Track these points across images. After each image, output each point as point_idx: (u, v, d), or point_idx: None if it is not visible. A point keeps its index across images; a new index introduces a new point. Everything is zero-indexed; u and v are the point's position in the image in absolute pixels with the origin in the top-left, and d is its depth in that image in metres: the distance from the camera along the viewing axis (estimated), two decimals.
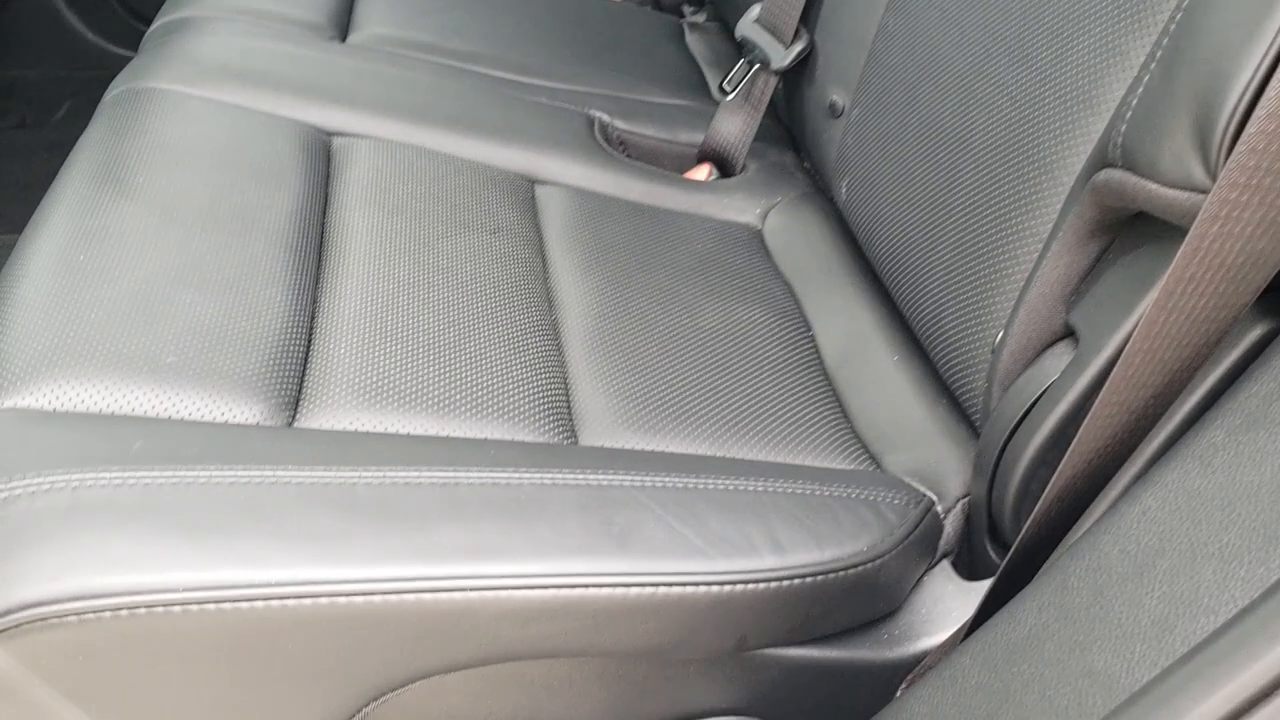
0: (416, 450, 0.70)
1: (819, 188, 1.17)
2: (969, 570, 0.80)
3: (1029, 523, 0.65)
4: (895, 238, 0.92)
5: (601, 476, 0.70)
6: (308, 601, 0.60)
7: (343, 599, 0.61)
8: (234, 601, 0.59)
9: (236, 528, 0.62)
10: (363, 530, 0.63)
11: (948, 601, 0.78)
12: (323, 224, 0.92)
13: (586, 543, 0.66)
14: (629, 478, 0.71)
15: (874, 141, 0.98)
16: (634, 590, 0.65)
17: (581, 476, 0.70)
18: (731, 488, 0.73)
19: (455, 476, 0.67)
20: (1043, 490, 0.75)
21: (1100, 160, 0.68)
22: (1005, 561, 0.67)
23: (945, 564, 0.80)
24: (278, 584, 0.60)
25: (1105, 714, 0.50)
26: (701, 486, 0.72)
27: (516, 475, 0.68)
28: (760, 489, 0.74)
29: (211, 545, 0.61)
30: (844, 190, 1.03)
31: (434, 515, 0.65)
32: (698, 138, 1.20)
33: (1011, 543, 0.79)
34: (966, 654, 0.62)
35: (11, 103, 1.93)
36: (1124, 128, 0.65)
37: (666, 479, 0.72)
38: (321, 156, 1.00)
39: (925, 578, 0.79)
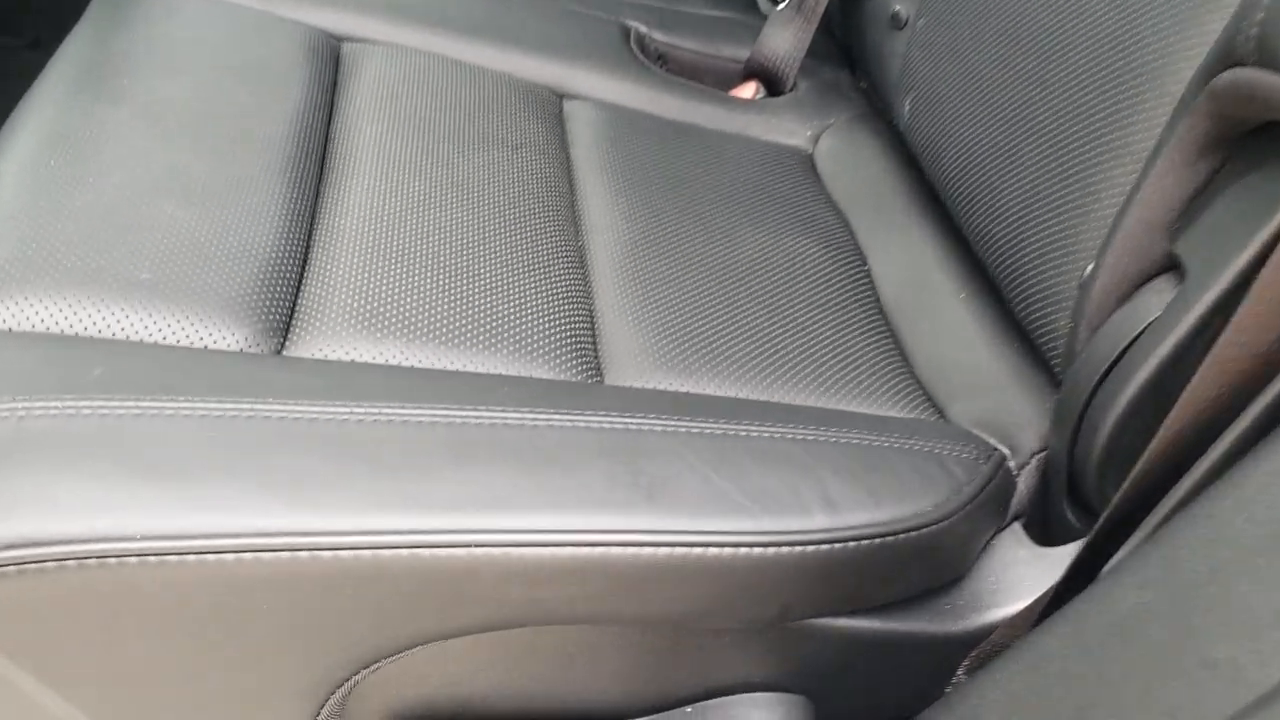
0: (419, 385, 0.62)
1: (876, 109, 1.06)
2: (1043, 534, 0.71)
3: (1127, 484, 0.56)
4: (966, 160, 0.82)
5: (630, 420, 0.61)
6: (287, 555, 0.52)
7: (327, 553, 0.52)
8: (201, 554, 0.51)
9: (207, 468, 0.53)
10: (352, 474, 0.54)
11: (1019, 569, 0.69)
12: (326, 135, 0.83)
13: (610, 495, 0.57)
14: (661, 421, 0.62)
15: (944, 53, 0.87)
16: (663, 551, 0.56)
17: (607, 419, 0.61)
18: (778, 435, 0.64)
19: (461, 415, 0.58)
20: (1133, 445, 0.65)
21: (1224, 59, 0.58)
22: (1097, 527, 0.58)
23: (1016, 526, 0.71)
24: (253, 534, 0.52)
25: (1231, 714, 0.41)
26: (743, 433, 0.63)
27: (532, 416, 0.59)
28: (810, 438, 0.65)
29: (177, 487, 0.52)
30: (907, 109, 0.93)
31: (435, 459, 0.56)
32: (743, 53, 1.10)
33: (1094, 504, 0.69)
34: (1051, 634, 0.53)
35: (25, 22, 1.85)
36: (1261, 16, 0.54)
37: (704, 424, 0.63)
38: (329, 62, 0.91)
39: (994, 541, 0.70)
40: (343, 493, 0.53)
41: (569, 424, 0.60)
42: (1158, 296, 0.64)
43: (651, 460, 0.59)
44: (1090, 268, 0.67)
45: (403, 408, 0.58)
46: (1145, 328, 0.64)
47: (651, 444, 0.60)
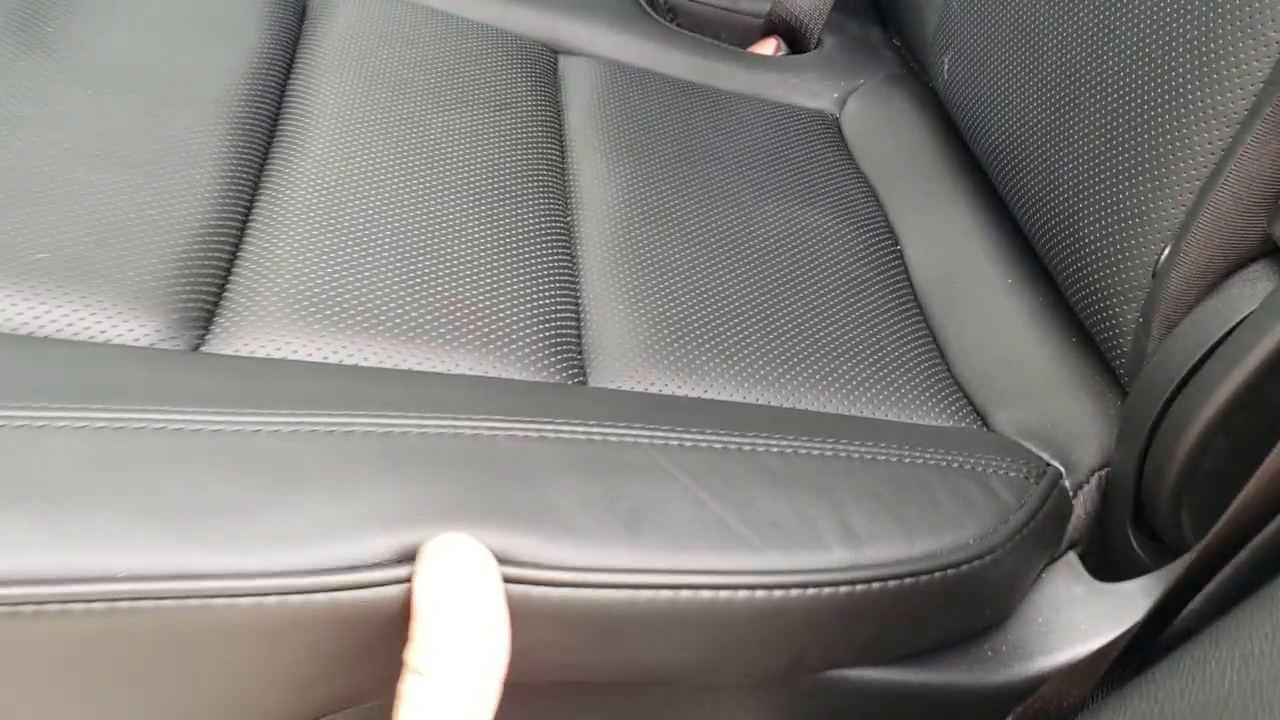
0: (358, 388, 0.51)
1: (910, 69, 0.95)
2: (1102, 567, 0.61)
3: (1220, 525, 0.45)
4: (1014, 124, 0.71)
5: (611, 430, 0.51)
6: (173, 604, 0.42)
7: (221, 600, 0.42)
8: (65, 602, 0.41)
9: (79, 494, 0.43)
10: (258, 501, 0.44)
11: (1073, 609, 0.58)
12: (282, 92, 0.73)
13: (579, 523, 0.47)
14: (650, 432, 0.52)
15: (990, 3, 0.76)
16: (645, 594, 0.46)
17: (582, 428, 0.51)
18: (789, 451, 0.53)
19: (401, 424, 0.48)
20: (1219, 469, 0.55)
21: None
22: (1177, 580, 0.47)
23: (1071, 557, 0.60)
24: (129, 578, 0.41)
25: None
26: (748, 448, 0.53)
27: (489, 425, 0.49)
28: (829, 453, 0.54)
29: (39, 518, 0.42)
30: (945, 68, 0.81)
31: (362, 477, 0.45)
32: (764, 5, 0.99)
33: (1165, 534, 0.59)
34: (1122, 713, 0.43)
35: None
36: None
37: (701, 436, 0.52)
38: (293, 10, 0.80)
39: (1044, 575, 0.59)
40: (243, 525, 0.43)
41: (534, 433, 0.49)
42: (1251, 287, 0.53)
43: (635, 480, 0.49)
44: (1166, 251, 0.57)
45: (331, 416, 0.48)
46: (1236, 325, 0.53)
47: (637, 460, 0.50)
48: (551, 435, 0.50)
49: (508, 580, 0.43)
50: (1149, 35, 0.60)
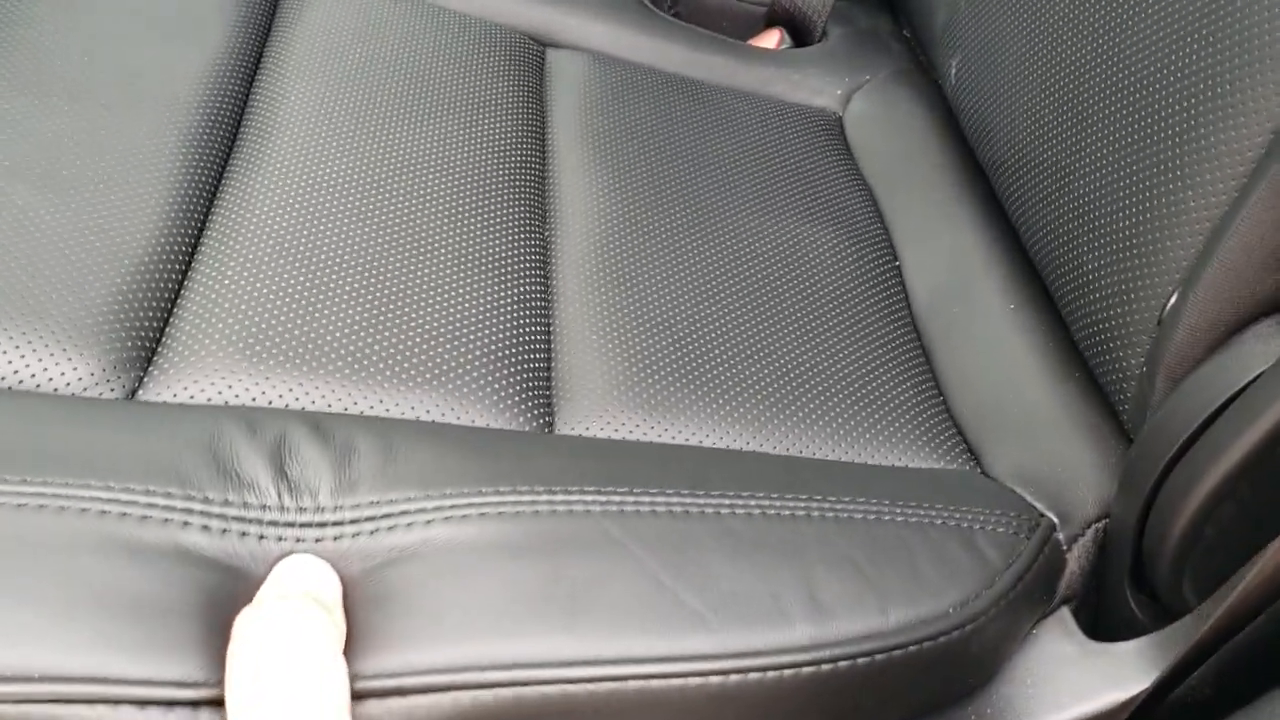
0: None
1: (920, 63, 0.90)
2: (1096, 624, 0.57)
3: (1239, 592, 0.41)
4: (1021, 137, 0.66)
5: (562, 499, 0.47)
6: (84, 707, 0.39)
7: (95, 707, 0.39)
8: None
9: None
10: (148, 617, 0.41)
11: (1065, 669, 0.55)
12: (246, 98, 0.69)
13: (509, 612, 0.43)
14: (606, 496, 0.48)
15: (998, 5, 0.71)
16: (582, 689, 0.43)
17: (531, 498, 0.47)
18: (759, 511, 0.50)
19: None
20: (1226, 535, 0.51)
21: None
22: (1190, 646, 0.43)
23: (1064, 613, 0.56)
24: (47, 678, 0.39)
25: None
26: (713, 510, 0.49)
27: (396, 499, 0.45)
28: (800, 512, 0.51)
29: None
30: (954, 71, 0.77)
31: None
32: None
33: (1165, 595, 0.55)
34: None
35: None
36: None
37: (662, 499, 0.49)
38: (263, 6, 0.76)
39: (1034, 631, 0.56)
40: (161, 633, 0.40)
41: (475, 512, 0.46)
42: (1264, 344, 0.49)
43: (580, 556, 0.45)
44: (1174, 298, 0.52)
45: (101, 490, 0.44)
46: (1247, 383, 0.49)
47: (585, 533, 0.46)
48: (493, 511, 0.46)
49: (424, 690, 0.40)
50: (1163, 57, 0.55)
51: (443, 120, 0.70)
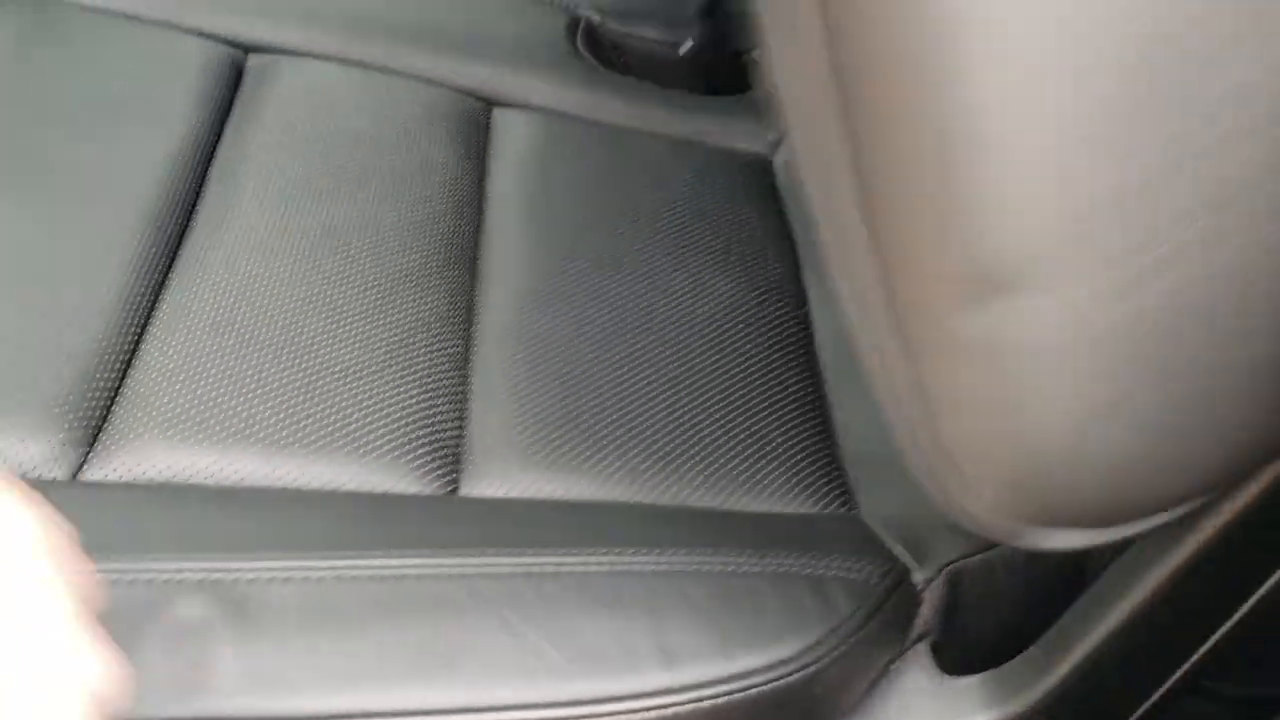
0: (181, 528, 0.55)
1: None
2: (953, 660, 0.62)
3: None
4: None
5: (444, 563, 0.54)
6: None
7: None
8: None
9: None
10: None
11: (920, 701, 0.61)
12: (204, 179, 0.76)
13: (393, 663, 0.50)
14: (485, 559, 0.55)
15: None
16: None
17: (417, 561, 0.54)
18: (621, 568, 0.56)
19: (197, 570, 0.52)
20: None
21: None
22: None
23: (922, 648, 0.62)
24: None
25: None
26: (579, 569, 0.56)
27: (301, 565, 0.53)
28: (662, 567, 0.57)
29: None
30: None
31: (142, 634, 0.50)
32: None
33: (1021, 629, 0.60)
34: None
35: None
36: None
37: (535, 560, 0.55)
38: (226, 82, 0.83)
39: (894, 665, 0.62)
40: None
41: (349, 571, 0.53)
42: None
43: (455, 618, 0.52)
44: None
45: (119, 561, 0.52)
46: None
47: (461, 596, 0.53)
48: (364, 573, 0.53)
49: None
50: None
51: (383, 190, 0.77)
